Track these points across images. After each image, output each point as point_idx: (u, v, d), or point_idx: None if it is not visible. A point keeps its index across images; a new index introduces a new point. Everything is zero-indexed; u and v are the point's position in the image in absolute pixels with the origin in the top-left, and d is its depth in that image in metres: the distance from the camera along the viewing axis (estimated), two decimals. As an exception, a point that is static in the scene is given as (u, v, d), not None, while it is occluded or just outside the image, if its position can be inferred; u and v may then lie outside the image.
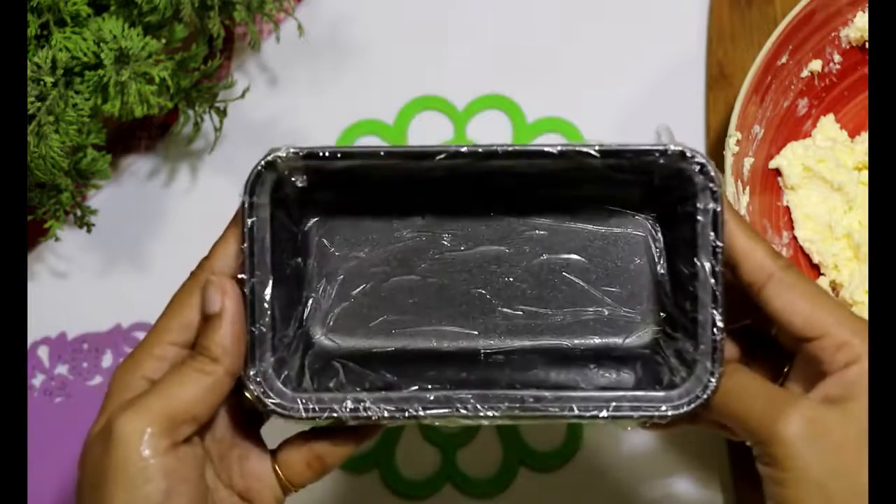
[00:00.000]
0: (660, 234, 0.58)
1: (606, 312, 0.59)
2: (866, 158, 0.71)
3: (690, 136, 0.77)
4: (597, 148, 0.54)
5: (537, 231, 0.59)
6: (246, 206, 0.54)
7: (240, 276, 0.54)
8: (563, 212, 0.59)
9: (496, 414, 0.53)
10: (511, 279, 0.59)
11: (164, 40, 0.69)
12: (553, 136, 0.79)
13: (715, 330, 0.53)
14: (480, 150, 0.54)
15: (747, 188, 0.67)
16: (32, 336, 0.77)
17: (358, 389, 0.54)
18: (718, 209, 0.53)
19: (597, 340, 0.58)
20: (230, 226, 0.56)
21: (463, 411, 0.53)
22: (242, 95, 0.78)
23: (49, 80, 0.66)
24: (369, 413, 0.53)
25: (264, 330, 0.54)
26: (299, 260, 0.58)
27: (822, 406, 0.50)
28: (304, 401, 0.54)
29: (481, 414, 0.53)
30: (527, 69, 0.80)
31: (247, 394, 0.54)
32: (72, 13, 0.67)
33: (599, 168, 0.55)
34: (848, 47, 0.71)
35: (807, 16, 0.69)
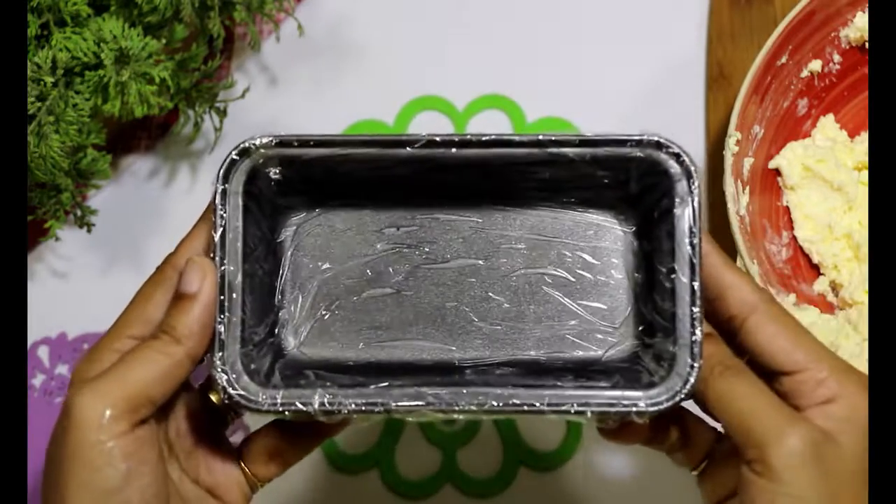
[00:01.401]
0: (639, 247, 0.57)
1: (585, 327, 0.58)
2: (866, 158, 0.71)
3: (690, 136, 0.77)
4: (575, 138, 0.54)
5: (515, 244, 0.58)
6: (218, 192, 0.55)
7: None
8: (541, 226, 0.58)
9: (468, 407, 0.52)
10: (488, 293, 0.58)
11: (164, 40, 0.69)
12: (553, 136, 0.79)
13: (694, 324, 0.52)
14: (456, 138, 0.55)
15: (747, 188, 0.67)
16: (32, 336, 0.77)
17: (328, 386, 0.54)
18: (696, 200, 0.53)
19: (576, 355, 0.58)
20: (198, 223, 0.56)
21: (434, 403, 0.52)
22: (242, 95, 0.78)
23: (49, 80, 0.66)
24: (340, 407, 0.53)
25: (234, 319, 0.54)
26: (272, 268, 0.58)
27: (823, 437, 0.50)
28: (271, 394, 0.53)
29: (454, 407, 0.52)
30: (527, 69, 0.80)
31: (214, 384, 0.53)
32: (72, 13, 0.67)
33: (577, 162, 0.55)
34: (848, 47, 0.71)
35: (807, 16, 0.69)
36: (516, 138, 0.55)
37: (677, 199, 0.54)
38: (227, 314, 0.54)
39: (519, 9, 0.82)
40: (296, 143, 0.55)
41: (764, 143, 0.69)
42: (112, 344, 0.54)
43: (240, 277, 0.54)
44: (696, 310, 0.52)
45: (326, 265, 0.58)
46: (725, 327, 0.53)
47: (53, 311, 0.78)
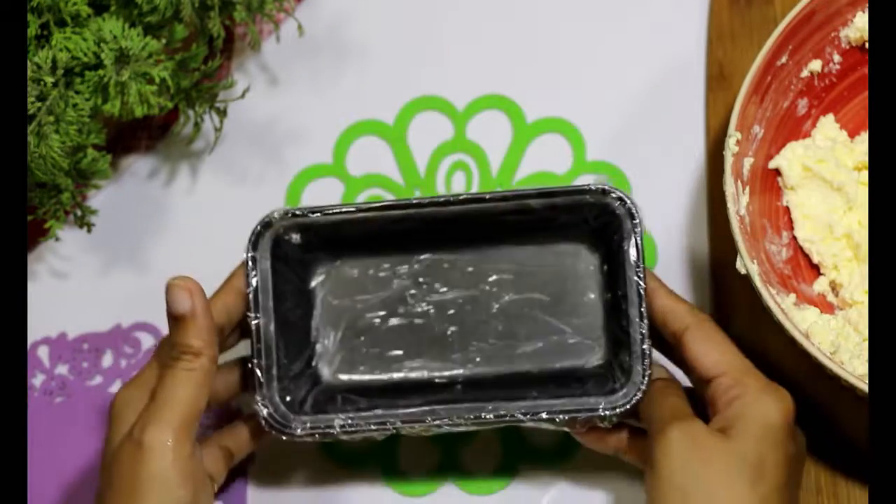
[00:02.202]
0: (607, 271, 0.67)
1: (567, 341, 0.68)
2: (866, 159, 0.71)
3: (690, 137, 0.77)
4: (535, 191, 0.66)
5: (505, 276, 0.69)
6: (249, 258, 0.66)
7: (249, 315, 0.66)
8: (526, 259, 0.69)
9: (456, 422, 0.64)
10: (483, 318, 0.69)
11: (164, 40, 0.69)
12: (553, 136, 0.79)
13: (643, 341, 0.63)
14: (439, 199, 0.66)
15: (747, 188, 0.67)
16: (32, 336, 0.77)
17: (349, 409, 0.66)
18: (638, 237, 0.64)
19: (561, 365, 0.68)
20: (226, 282, 0.66)
21: (434, 420, 0.64)
22: (242, 95, 0.78)
23: (49, 80, 0.66)
24: (356, 429, 0.64)
25: (271, 363, 0.65)
26: (306, 311, 0.69)
27: (707, 430, 0.58)
28: (302, 421, 0.65)
29: (447, 422, 0.64)
30: (527, 69, 0.80)
31: (258, 416, 0.65)
32: (72, 13, 0.67)
33: (540, 209, 0.66)
34: (848, 47, 0.71)
35: (807, 16, 0.69)
36: (487, 195, 0.66)
37: (625, 235, 0.64)
38: (263, 360, 0.65)
39: (519, 9, 0.82)
40: (308, 214, 0.66)
41: (764, 143, 0.69)
42: (156, 372, 0.63)
43: (272, 327, 0.65)
44: (643, 328, 0.63)
45: (351, 303, 0.70)
46: (672, 345, 0.64)
47: (53, 311, 0.78)
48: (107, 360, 0.77)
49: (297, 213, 0.66)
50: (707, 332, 0.62)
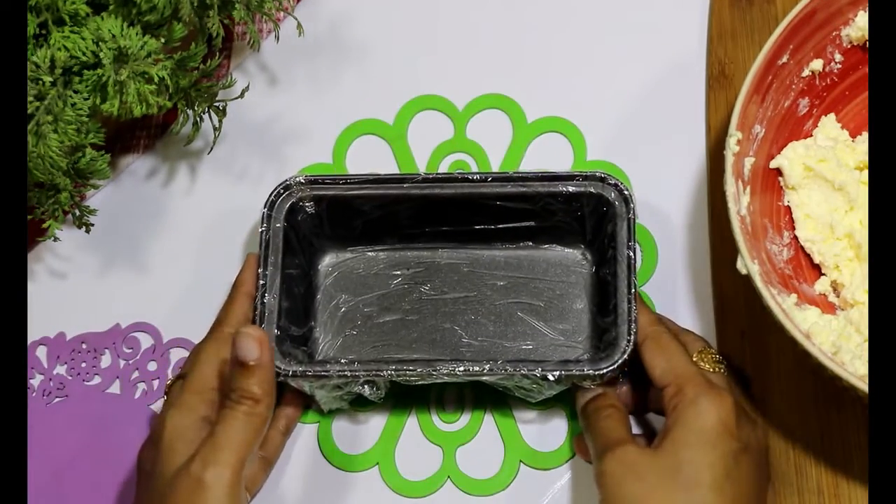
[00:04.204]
0: (597, 278, 0.71)
1: (554, 343, 0.71)
2: (867, 158, 0.70)
3: (691, 136, 0.77)
4: (536, 173, 0.70)
5: (498, 281, 0.73)
6: (265, 216, 0.71)
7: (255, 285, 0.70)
8: (520, 264, 0.73)
9: (451, 371, 0.67)
10: (476, 317, 0.72)
11: (163, 39, 0.69)
12: (553, 136, 0.78)
13: (630, 304, 0.66)
14: (442, 175, 0.71)
15: (748, 188, 0.67)
16: (31, 336, 0.77)
17: (342, 361, 0.69)
18: (630, 219, 0.68)
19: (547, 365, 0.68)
20: (233, 292, 0.71)
21: (421, 370, 0.67)
22: (242, 95, 0.77)
23: (48, 79, 0.66)
24: (353, 372, 0.67)
25: (273, 301, 0.69)
26: (308, 295, 0.73)
27: (640, 451, 0.62)
28: (298, 364, 0.68)
29: (442, 371, 0.67)
30: (527, 69, 0.80)
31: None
32: (70, 12, 0.67)
33: (541, 194, 0.70)
34: (849, 46, 0.71)
35: (808, 15, 0.68)
36: (490, 175, 0.71)
37: (618, 220, 0.68)
38: (266, 299, 0.69)
39: (519, 8, 0.82)
40: (321, 181, 0.71)
41: (765, 143, 0.69)
42: (201, 397, 0.67)
43: (279, 279, 0.70)
44: (631, 299, 0.66)
45: (350, 296, 0.74)
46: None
47: (52, 311, 0.78)
48: (105, 360, 0.77)
49: (315, 178, 0.71)
50: (661, 344, 0.66)
